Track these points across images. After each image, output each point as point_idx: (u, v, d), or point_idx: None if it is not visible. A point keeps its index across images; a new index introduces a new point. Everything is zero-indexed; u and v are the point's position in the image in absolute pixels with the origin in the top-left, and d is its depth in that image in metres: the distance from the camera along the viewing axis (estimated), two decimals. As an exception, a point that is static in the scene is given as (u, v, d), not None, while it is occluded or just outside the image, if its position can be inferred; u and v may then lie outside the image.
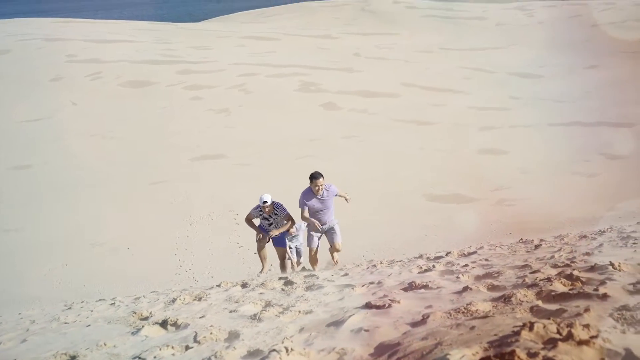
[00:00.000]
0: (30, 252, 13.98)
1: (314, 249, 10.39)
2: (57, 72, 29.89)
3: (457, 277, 5.92)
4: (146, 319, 5.82)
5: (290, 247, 11.00)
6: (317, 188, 9.90)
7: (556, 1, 53.10)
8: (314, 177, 9.92)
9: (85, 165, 19.65)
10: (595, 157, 19.28)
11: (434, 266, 7.20)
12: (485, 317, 3.80)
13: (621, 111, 23.98)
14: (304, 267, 11.15)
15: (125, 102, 26.33)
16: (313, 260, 10.55)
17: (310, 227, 10.21)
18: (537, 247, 8.31)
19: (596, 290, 4.17)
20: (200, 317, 5.50)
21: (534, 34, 40.77)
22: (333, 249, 10.48)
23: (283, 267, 10.93)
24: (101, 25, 44.28)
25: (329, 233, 10.35)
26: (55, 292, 11.97)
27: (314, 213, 10.09)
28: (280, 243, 10.76)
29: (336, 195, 10.25)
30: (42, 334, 5.77)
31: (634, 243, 6.90)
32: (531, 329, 3.01)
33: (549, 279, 4.82)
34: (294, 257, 11.12)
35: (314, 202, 10.04)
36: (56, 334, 5.68)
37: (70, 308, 8.26)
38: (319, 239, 10.38)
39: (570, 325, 2.95)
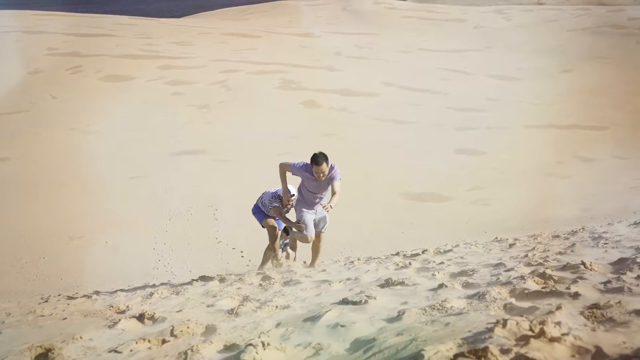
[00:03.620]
0: (7, 245, 13.78)
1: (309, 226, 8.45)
2: (36, 65, 29.47)
3: (433, 275, 5.96)
4: (123, 312, 5.77)
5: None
6: (319, 175, 8.08)
7: (534, 6, 53.62)
8: (316, 162, 7.97)
9: (64, 158, 19.42)
10: (569, 159, 19.53)
11: (410, 263, 7.24)
12: (459, 313, 3.83)
13: (595, 115, 24.30)
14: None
15: (105, 96, 26.05)
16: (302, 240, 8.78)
17: (299, 204, 8.54)
18: (511, 246, 8.39)
19: (568, 288, 4.23)
20: (177, 311, 5.47)
21: (511, 37, 41.09)
22: (316, 238, 8.66)
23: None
24: (81, 18, 43.72)
25: (318, 221, 8.63)
26: (31, 285, 11.81)
27: (307, 192, 8.45)
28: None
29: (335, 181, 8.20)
30: (18, 327, 5.69)
31: (605, 243, 6.99)
32: (504, 325, 3.03)
33: (522, 277, 4.88)
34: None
35: (309, 182, 8.31)
36: (32, 326, 5.60)
37: (46, 301, 8.16)
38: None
39: (542, 323, 2.98)
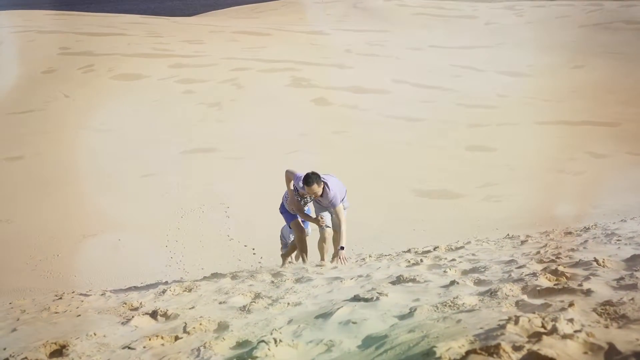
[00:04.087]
0: (21, 243, 13.89)
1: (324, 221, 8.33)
2: (49, 64, 29.64)
3: (445, 271, 5.94)
4: (136, 309, 5.80)
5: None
6: (310, 194, 7.93)
7: (545, 1, 53.28)
8: (306, 182, 7.74)
9: (77, 157, 19.53)
10: (581, 155, 19.39)
11: (421, 260, 7.22)
12: (471, 310, 3.81)
13: (607, 111, 24.13)
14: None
15: (117, 95, 26.15)
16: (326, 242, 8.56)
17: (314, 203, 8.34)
18: (523, 242, 8.35)
19: (580, 285, 4.20)
20: (190, 308, 5.49)
21: (522, 34, 40.84)
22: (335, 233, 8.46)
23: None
24: (93, 18, 43.92)
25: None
26: (45, 282, 11.90)
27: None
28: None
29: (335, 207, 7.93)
30: (33, 324, 5.73)
31: (617, 240, 6.94)
32: (516, 322, 3.02)
33: (534, 274, 4.85)
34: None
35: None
36: (46, 323, 5.65)
37: (60, 298, 8.21)
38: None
39: (554, 320, 2.97)
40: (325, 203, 8.15)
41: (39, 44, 33.10)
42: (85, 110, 24.38)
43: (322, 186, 7.83)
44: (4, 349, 4.59)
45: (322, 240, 8.61)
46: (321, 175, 8.01)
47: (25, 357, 3.77)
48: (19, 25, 37.23)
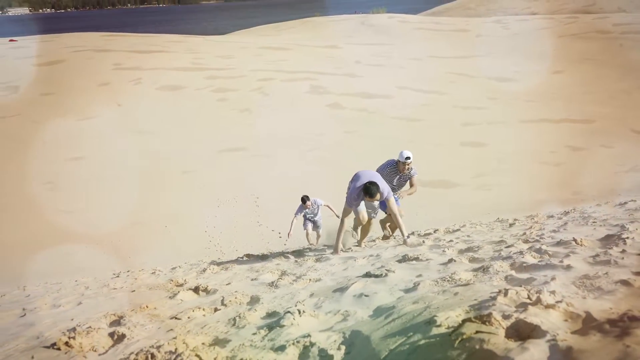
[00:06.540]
0: (83, 230, 14.06)
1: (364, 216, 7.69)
2: (104, 78, 29.87)
3: (443, 251, 5.91)
4: (181, 285, 5.85)
5: (312, 222, 10.90)
6: (373, 200, 7.16)
7: (528, 15, 52.51)
8: (370, 194, 6.94)
9: (129, 156, 19.71)
10: (560, 148, 19.18)
11: (423, 241, 7.19)
12: (467, 284, 3.80)
13: (583, 110, 23.80)
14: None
15: (162, 103, 26.32)
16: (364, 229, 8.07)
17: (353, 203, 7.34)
18: (511, 225, 8.28)
19: (561, 262, 4.17)
20: (226, 284, 5.52)
21: (509, 44, 40.38)
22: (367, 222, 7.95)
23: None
24: (141, 38, 44.10)
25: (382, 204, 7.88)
26: (105, 262, 12.04)
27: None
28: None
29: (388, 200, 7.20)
30: (95, 298, 5.81)
31: (593, 222, 6.86)
32: (506, 294, 3.01)
33: (521, 252, 4.82)
34: (319, 230, 11.05)
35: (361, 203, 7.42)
36: (106, 298, 5.72)
37: (118, 276, 8.32)
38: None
39: (539, 292, 2.95)
40: (376, 201, 7.53)
41: (96, 61, 33.35)
42: (135, 116, 24.57)
43: (380, 192, 7.08)
44: (72, 319, 4.66)
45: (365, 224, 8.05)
46: (362, 174, 7.51)
47: (90, 326, 3.81)
48: (79, 46, 37.53)
